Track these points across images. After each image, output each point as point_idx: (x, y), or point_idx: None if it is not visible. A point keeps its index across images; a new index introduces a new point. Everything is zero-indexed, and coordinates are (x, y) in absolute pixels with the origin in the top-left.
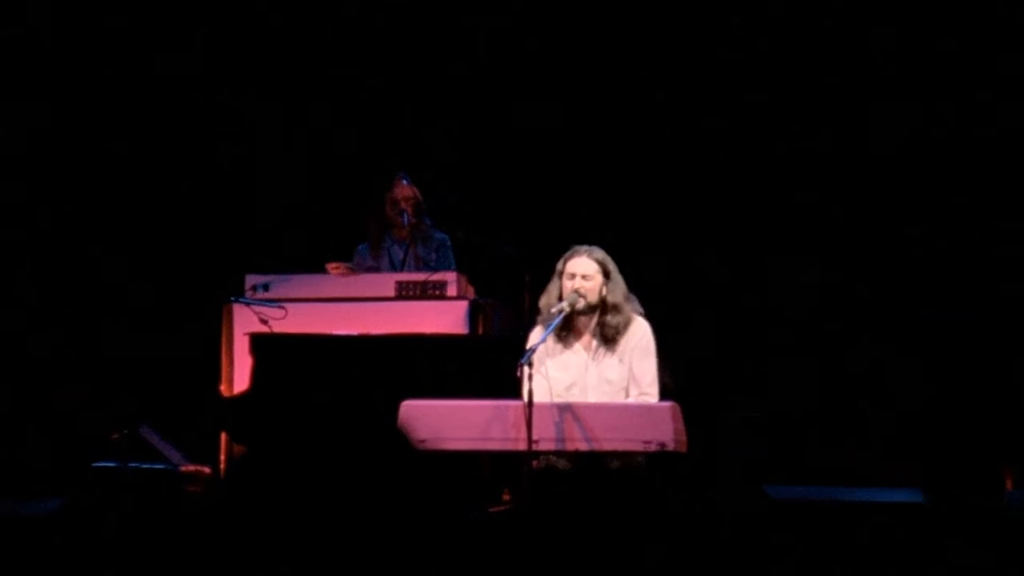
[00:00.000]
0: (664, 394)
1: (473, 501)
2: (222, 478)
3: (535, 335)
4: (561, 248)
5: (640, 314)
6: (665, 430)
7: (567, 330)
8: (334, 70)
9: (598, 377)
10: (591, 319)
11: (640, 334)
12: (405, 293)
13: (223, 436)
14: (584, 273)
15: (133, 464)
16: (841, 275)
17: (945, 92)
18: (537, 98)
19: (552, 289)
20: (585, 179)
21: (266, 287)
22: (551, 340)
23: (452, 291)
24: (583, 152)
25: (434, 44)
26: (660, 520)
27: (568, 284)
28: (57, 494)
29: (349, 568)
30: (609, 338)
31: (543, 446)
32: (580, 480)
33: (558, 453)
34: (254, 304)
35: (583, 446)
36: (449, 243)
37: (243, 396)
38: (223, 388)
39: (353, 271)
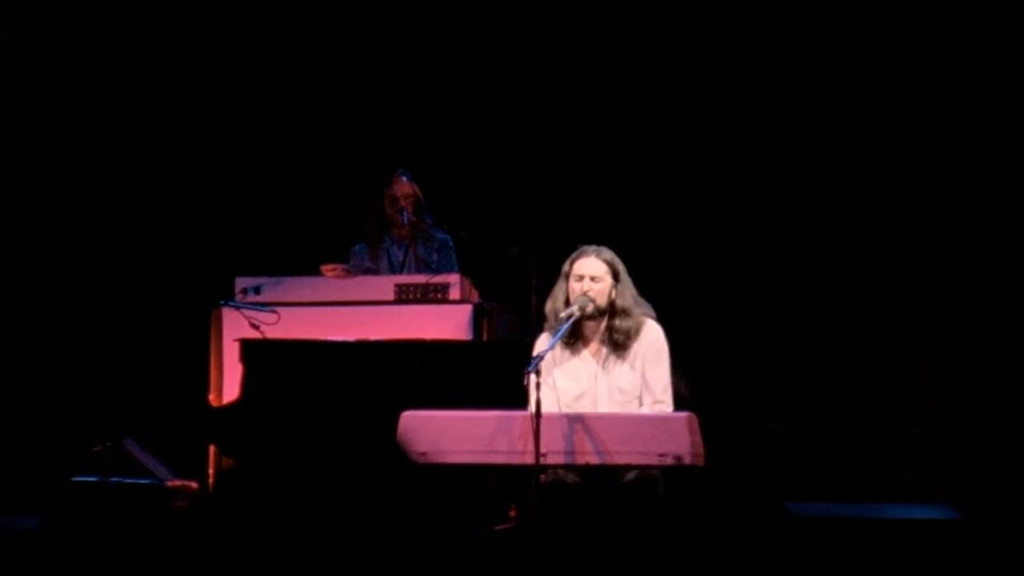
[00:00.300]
0: (679, 403)
1: (477, 518)
2: (210, 493)
3: (542, 342)
4: (569, 248)
5: (652, 318)
6: (681, 442)
7: (575, 336)
8: (331, 60)
9: (609, 386)
10: (600, 324)
11: (652, 338)
12: (405, 296)
13: (212, 449)
14: (592, 274)
15: (116, 479)
16: (871, 283)
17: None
18: (544, 90)
19: (558, 293)
20: (595, 175)
21: (257, 290)
22: (557, 348)
23: (455, 294)
24: (594, 146)
25: (436, 35)
26: (676, 538)
27: (576, 286)
28: (34, 512)
29: None
30: (619, 344)
31: (552, 459)
32: (591, 495)
33: (567, 467)
34: (244, 308)
35: (594, 459)
36: (451, 243)
37: (233, 406)
38: (212, 397)
39: (350, 273)
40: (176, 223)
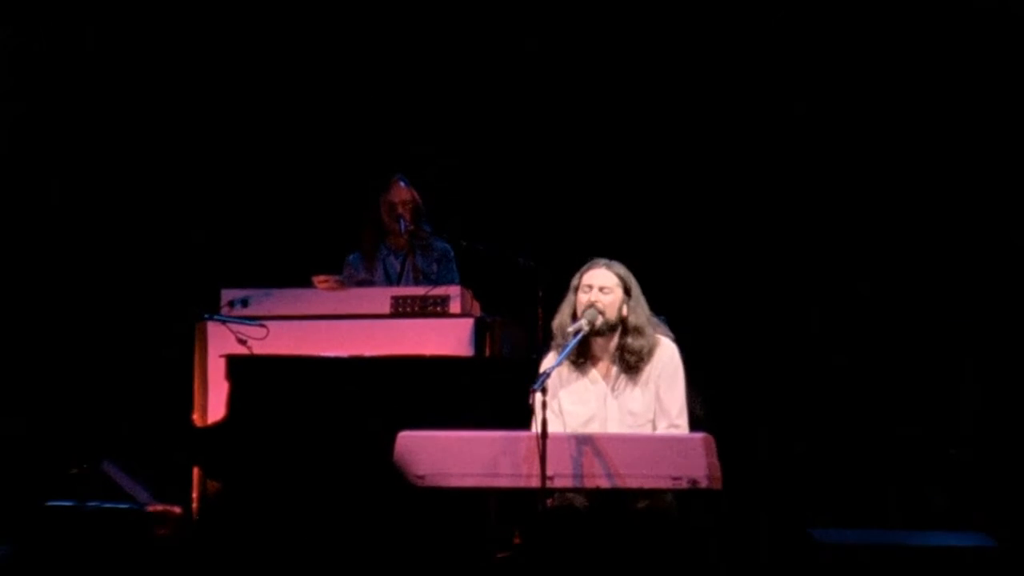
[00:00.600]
0: (695, 424)
1: (479, 545)
2: (194, 519)
3: (549, 361)
4: (580, 261)
5: (668, 337)
6: (697, 464)
7: (583, 355)
8: (328, 58)
9: (619, 409)
10: (610, 341)
11: (666, 358)
12: (402, 309)
13: (196, 472)
14: (602, 285)
15: (93, 503)
16: (902, 299)
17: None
18: (559, 87)
19: (566, 308)
20: (610, 183)
21: (244, 303)
22: (564, 368)
23: (455, 307)
24: (610, 152)
25: (437, 34)
26: (691, 567)
27: (583, 297)
28: (5, 539)
29: None
30: (631, 365)
31: (559, 482)
32: (600, 521)
33: (576, 490)
34: (231, 322)
35: (604, 483)
36: (452, 253)
37: (218, 426)
38: (196, 417)
39: (343, 284)
40: (158, 231)
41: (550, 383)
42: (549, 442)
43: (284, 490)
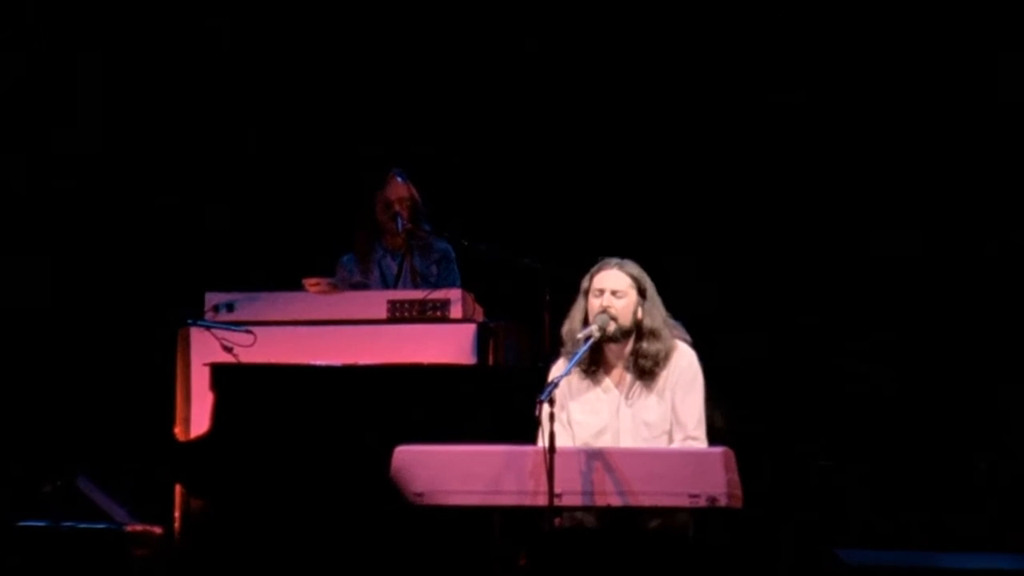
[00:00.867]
0: (713, 437)
1: (482, 568)
2: (176, 540)
3: (558, 368)
4: (590, 261)
5: (685, 341)
6: (716, 481)
7: (595, 363)
8: (318, 48)
9: (633, 420)
10: (624, 347)
11: (684, 364)
12: (399, 314)
13: (178, 489)
14: (615, 288)
15: (68, 523)
16: (931, 303)
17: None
18: (561, 80)
19: (576, 313)
20: (620, 177)
21: (230, 307)
22: (574, 377)
23: (456, 312)
24: (617, 145)
25: (436, 29)
26: None
27: (595, 302)
28: None
29: None
30: (646, 370)
31: (567, 500)
32: (612, 542)
33: (585, 509)
34: (216, 328)
35: (616, 500)
36: (453, 254)
37: (202, 440)
38: (178, 430)
39: (336, 288)
40: (137, 230)
41: (558, 393)
42: (557, 457)
43: (273, 509)
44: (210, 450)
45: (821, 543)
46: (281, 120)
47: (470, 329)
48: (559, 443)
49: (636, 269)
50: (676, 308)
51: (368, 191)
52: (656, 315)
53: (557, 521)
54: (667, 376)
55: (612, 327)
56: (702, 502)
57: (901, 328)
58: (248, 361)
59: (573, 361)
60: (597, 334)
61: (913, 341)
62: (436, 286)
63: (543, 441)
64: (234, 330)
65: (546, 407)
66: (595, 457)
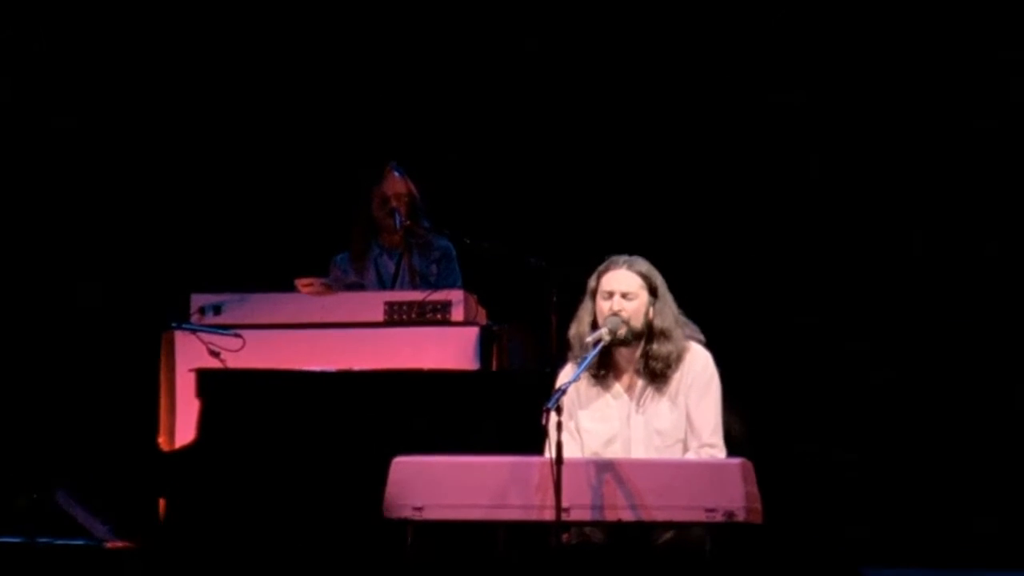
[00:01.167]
0: (731, 446)
1: None
2: (160, 556)
3: (565, 374)
4: (598, 258)
5: (699, 342)
6: (734, 494)
7: (604, 367)
8: (310, 38)
9: (645, 427)
10: (634, 351)
11: (699, 366)
12: (397, 316)
13: (161, 503)
14: (624, 290)
15: (44, 539)
16: (967, 302)
17: None
18: (568, 70)
19: (583, 315)
20: (629, 171)
21: (217, 309)
22: (583, 383)
23: (458, 314)
24: (626, 136)
25: (429, 20)
26: None
27: (604, 305)
28: None
29: None
30: (657, 373)
31: (576, 515)
32: (623, 559)
33: (595, 524)
34: (202, 331)
35: (628, 515)
36: (454, 252)
37: (187, 450)
38: (162, 440)
39: (330, 288)
40: (117, 227)
41: (566, 401)
42: (565, 468)
43: (263, 523)
44: (196, 462)
45: (846, 561)
46: (273, 111)
47: (472, 332)
48: (567, 453)
49: (646, 266)
50: (688, 307)
51: (364, 186)
52: (667, 314)
53: (565, 537)
54: (680, 379)
55: (623, 331)
56: (719, 517)
57: (929, 332)
58: (236, 367)
59: (582, 367)
60: (607, 338)
61: (942, 345)
62: (436, 287)
63: (550, 452)
64: (222, 333)
65: (553, 415)
66: (605, 468)
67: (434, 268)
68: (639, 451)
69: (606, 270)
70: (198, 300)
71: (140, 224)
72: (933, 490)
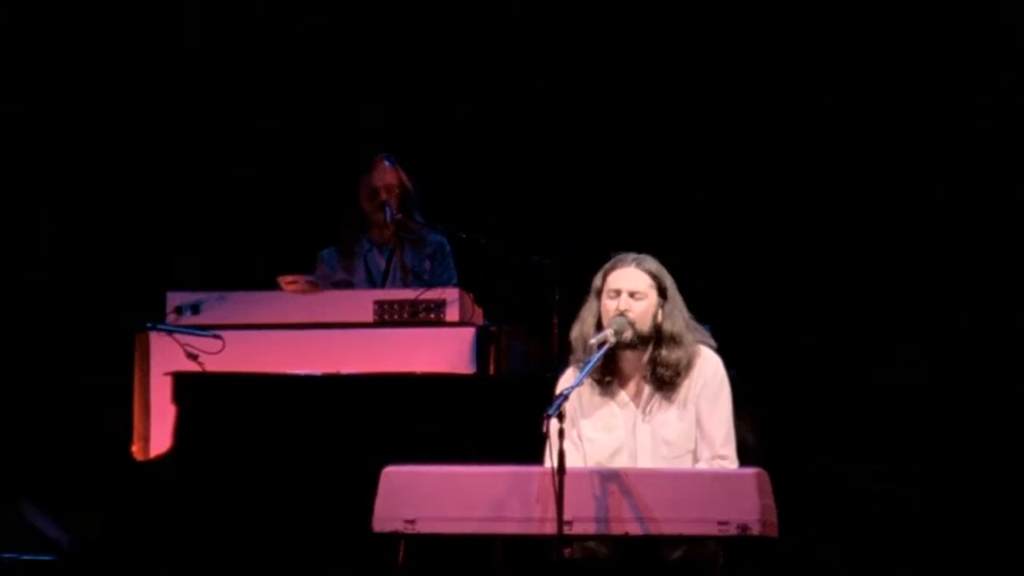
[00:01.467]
0: (744, 456)
1: None
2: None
3: (567, 378)
4: (604, 256)
5: (710, 347)
6: (748, 506)
7: (609, 372)
8: (295, 22)
9: (652, 437)
10: (641, 355)
11: (710, 372)
12: (388, 316)
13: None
14: (632, 289)
15: (10, 555)
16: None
17: None
18: (573, 59)
19: (587, 315)
20: (637, 163)
21: (195, 308)
22: (586, 388)
23: (452, 314)
24: (634, 127)
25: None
26: None
27: (610, 304)
28: None
29: None
30: (666, 380)
31: (579, 528)
32: (629, 575)
33: (600, 538)
34: (179, 332)
35: (634, 529)
36: (449, 248)
37: (163, 459)
38: (136, 448)
39: (315, 286)
40: (88, 220)
41: (568, 407)
42: (567, 478)
43: (244, 539)
44: (172, 471)
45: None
46: (254, 93)
47: (468, 333)
48: (569, 463)
49: (655, 265)
50: (696, 310)
51: (353, 177)
52: (677, 317)
53: (567, 552)
54: (689, 386)
55: (629, 333)
56: (732, 530)
57: (954, 338)
58: (215, 370)
59: (585, 371)
60: (613, 340)
61: (968, 350)
62: (430, 284)
63: (551, 460)
64: (199, 334)
65: (554, 422)
66: (610, 479)
67: (427, 264)
68: (646, 463)
69: (613, 268)
70: (174, 299)
71: (111, 216)
72: (962, 498)
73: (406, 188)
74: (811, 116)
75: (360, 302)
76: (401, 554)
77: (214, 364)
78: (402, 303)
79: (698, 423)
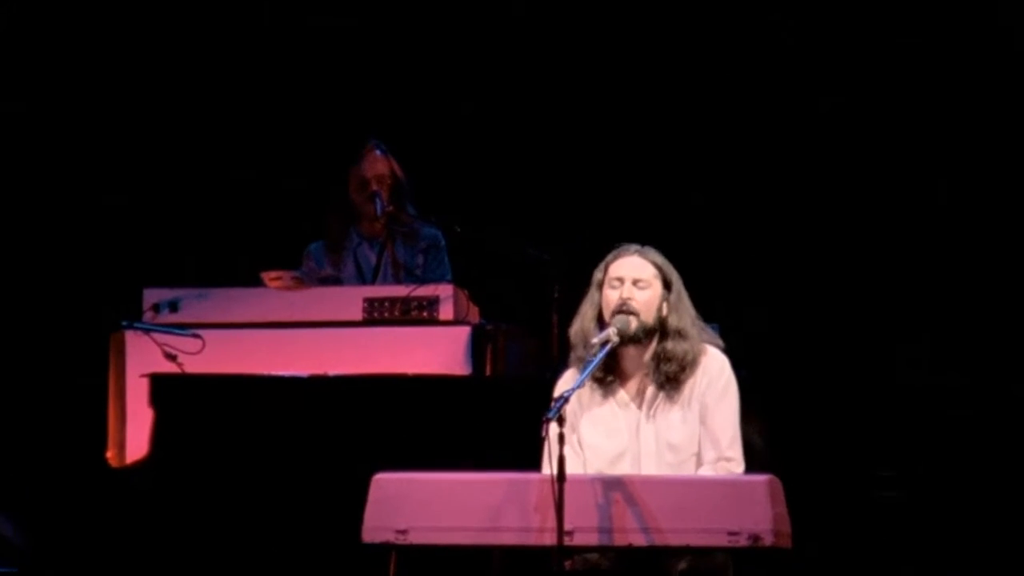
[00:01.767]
0: (752, 461)
1: None
2: None
3: (567, 379)
4: (605, 250)
5: (717, 347)
6: (759, 515)
7: (610, 371)
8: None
9: (656, 440)
10: (644, 352)
11: (715, 370)
12: (378, 314)
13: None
14: (636, 277)
15: None
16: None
17: None
18: (576, 46)
19: (587, 309)
20: (641, 154)
21: (173, 306)
22: (586, 389)
23: (447, 312)
24: (638, 116)
25: None
26: None
27: (612, 294)
28: None
29: None
30: (669, 376)
31: (580, 539)
32: None
33: (601, 549)
34: (156, 331)
35: (639, 539)
36: (443, 242)
37: (140, 466)
38: (110, 454)
39: (301, 282)
40: (59, 213)
41: (569, 410)
42: (568, 486)
43: (225, 550)
44: (149, 478)
45: None
46: (234, 78)
47: (463, 332)
48: (570, 469)
49: (659, 257)
50: (702, 310)
51: (342, 166)
52: (683, 313)
53: (568, 564)
54: (694, 384)
55: (634, 326)
56: (743, 541)
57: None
58: (195, 371)
59: (586, 372)
60: (615, 339)
61: (988, 350)
62: (423, 281)
63: (550, 467)
64: (178, 334)
65: (554, 427)
66: (613, 486)
67: (420, 260)
68: (650, 467)
69: (614, 257)
70: (151, 296)
71: (85, 210)
72: (985, 506)
73: (398, 178)
74: (811, 116)
75: (349, 299)
76: (392, 566)
77: (194, 365)
78: (393, 300)
79: (703, 423)
